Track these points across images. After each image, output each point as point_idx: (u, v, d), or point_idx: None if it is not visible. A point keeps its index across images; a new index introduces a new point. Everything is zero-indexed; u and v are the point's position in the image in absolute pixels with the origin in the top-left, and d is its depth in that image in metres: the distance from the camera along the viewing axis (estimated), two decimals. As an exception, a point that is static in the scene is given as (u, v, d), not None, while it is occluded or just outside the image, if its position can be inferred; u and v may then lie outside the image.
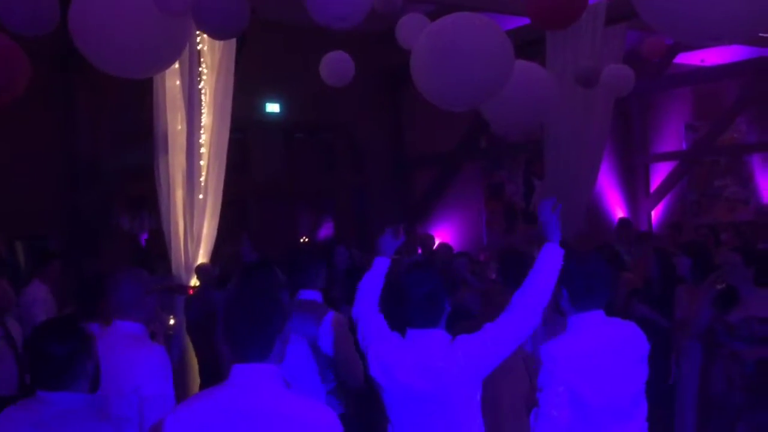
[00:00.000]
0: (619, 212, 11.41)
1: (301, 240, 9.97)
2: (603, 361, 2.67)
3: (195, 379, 6.55)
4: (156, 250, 7.93)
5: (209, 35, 5.19)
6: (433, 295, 2.64)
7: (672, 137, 12.62)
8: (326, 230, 10.72)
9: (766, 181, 12.71)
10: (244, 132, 8.76)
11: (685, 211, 12.34)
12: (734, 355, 4.16)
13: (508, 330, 2.64)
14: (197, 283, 6.83)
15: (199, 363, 6.50)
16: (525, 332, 2.68)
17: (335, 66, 6.38)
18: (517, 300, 2.70)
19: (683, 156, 12.12)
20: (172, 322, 6.98)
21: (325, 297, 3.86)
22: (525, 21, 6.87)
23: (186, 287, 6.88)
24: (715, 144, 11.95)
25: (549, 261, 2.75)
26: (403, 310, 2.67)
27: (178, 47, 4.76)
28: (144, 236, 9.06)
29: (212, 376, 6.28)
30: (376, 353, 2.70)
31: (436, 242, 9.49)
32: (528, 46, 7.12)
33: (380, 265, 3.01)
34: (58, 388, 2.24)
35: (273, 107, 9.70)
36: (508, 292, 3.74)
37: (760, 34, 9.42)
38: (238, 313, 2.09)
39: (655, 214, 12.11)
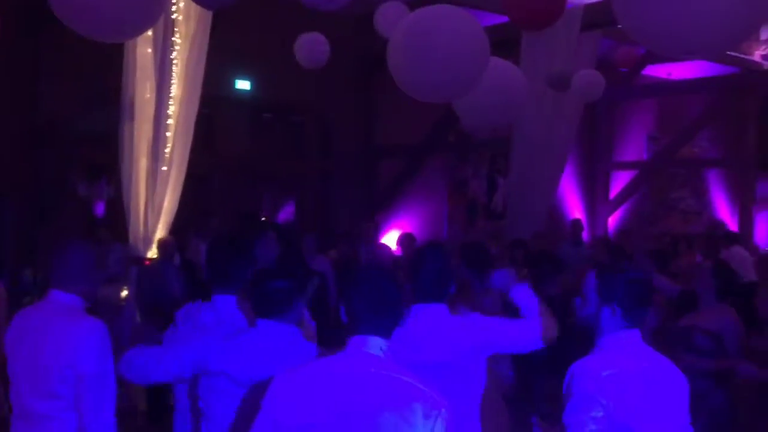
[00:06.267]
0: (577, 215, 11.62)
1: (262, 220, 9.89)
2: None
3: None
4: (114, 219, 7.80)
5: (200, 4, 5.09)
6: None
7: (634, 147, 12.88)
8: (287, 213, 10.67)
9: (720, 195, 13.08)
10: (212, 107, 8.64)
11: (641, 220, 12.62)
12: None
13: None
14: (154, 255, 6.75)
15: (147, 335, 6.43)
16: None
17: (310, 48, 6.34)
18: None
19: (643, 166, 12.38)
20: (125, 293, 6.89)
21: None
22: (502, 19, 6.91)
23: (142, 258, 6.80)
24: (675, 157, 12.24)
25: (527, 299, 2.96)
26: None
27: (153, 14, 4.66)
28: (101, 204, 8.90)
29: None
30: None
31: (396, 234, 9.53)
32: (503, 44, 7.15)
33: None
34: (274, 318, 2.70)
35: (243, 84, 9.59)
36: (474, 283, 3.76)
37: (728, 53, 9.68)
38: (364, 292, 2.17)
39: (611, 221, 12.35)
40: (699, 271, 4.36)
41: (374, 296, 2.15)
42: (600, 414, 2.28)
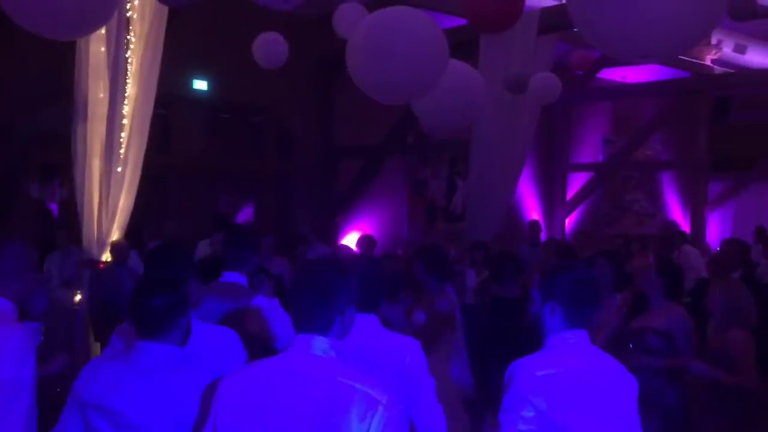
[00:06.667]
0: (535, 217, 11.76)
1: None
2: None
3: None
4: (67, 221, 7.63)
5: (164, 2, 5.00)
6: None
7: (590, 149, 13.09)
8: (246, 214, 10.57)
9: (673, 197, 13.38)
10: (169, 107, 8.52)
11: (597, 221, 12.82)
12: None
13: None
14: (108, 258, 6.61)
15: (100, 341, 6.30)
16: None
17: (269, 48, 6.29)
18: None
19: (599, 168, 12.60)
20: (78, 297, 6.74)
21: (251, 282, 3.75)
22: (461, 21, 6.96)
23: (96, 261, 6.65)
24: (630, 159, 12.47)
25: None
26: None
27: (106, 12, 4.57)
28: (54, 206, 8.69)
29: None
30: None
31: (357, 235, 9.52)
32: (461, 46, 7.20)
33: None
34: (155, 339, 2.39)
35: (200, 84, 9.47)
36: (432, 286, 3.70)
37: (680, 57, 9.91)
38: (304, 284, 2.12)
39: (568, 222, 12.53)
40: (645, 272, 4.38)
41: (315, 287, 2.09)
42: (531, 414, 2.28)
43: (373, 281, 2.82)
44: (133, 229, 6.99)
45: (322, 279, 2.11)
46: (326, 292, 2.09)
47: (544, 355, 2.40)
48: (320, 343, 2.07)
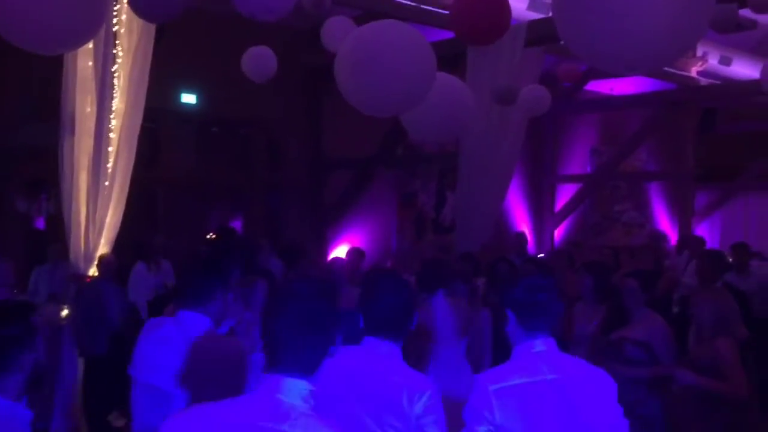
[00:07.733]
0: (524, 228, 11.78)
1: (208, 236, 9.75)
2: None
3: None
4: (54, 236, 7.59)
5: (144, 18, 5.01)
6: None
7: (578, 160, 13.15)
8: (235, 227, 10.54)
9: (661, 207, 13.45)
10: (157, 121, 8.49)
11: (586, 232, 12.87)
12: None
13: None
14: (96, 273, 6.57)
15: (83, 356, 6.26)
16: None
17: (258, 61, 6.29)
18: None
19: (587, 179, 12.65)
20: (65, 312, 6.68)
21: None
22: (448, 35, 6.99)
23: (83, 276, 6.60)
24: (617, 170, 12.53)
25: None
26: None
27: (93, 27, 4.57)
28: (40, 220, 8.65)
29: (96, 370, 6.09)
30: None
31: (346, 247, 9.50)
32: (449, 59, 7.23)
33: None
34: None
35: (189, 98, 9.45)
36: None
37: (666, 69, 9.99)
38: (289, 313, 1.73)
39: (557, 233, 12.57)
40: (626, 287, 4.40)
41: (304, 318, 1.71)
42: (486, 428, 2.28)
43: (402, 307, 2.50)
44: (134, 242, 7.04)
45: (311, 307, 1.73)
46: (317, 325, 1.72)
47: (506, 367, 2.40)
48: (297, 388, 1.69)
